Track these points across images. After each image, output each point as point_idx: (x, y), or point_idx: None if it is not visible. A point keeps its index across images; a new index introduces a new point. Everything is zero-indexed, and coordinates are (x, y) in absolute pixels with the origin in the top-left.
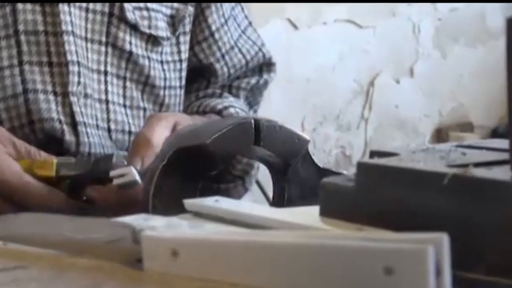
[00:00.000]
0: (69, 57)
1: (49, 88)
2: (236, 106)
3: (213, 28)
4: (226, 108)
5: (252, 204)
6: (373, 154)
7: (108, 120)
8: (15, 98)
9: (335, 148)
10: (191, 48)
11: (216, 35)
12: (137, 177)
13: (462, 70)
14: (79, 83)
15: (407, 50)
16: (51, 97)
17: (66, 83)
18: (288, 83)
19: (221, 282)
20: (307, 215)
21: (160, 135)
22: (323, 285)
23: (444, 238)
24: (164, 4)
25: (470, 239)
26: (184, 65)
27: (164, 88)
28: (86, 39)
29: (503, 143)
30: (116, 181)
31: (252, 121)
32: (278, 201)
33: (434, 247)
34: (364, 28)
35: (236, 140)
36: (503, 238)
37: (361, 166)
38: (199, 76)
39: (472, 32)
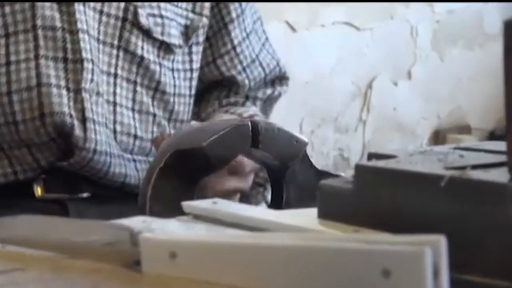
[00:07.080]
0: (84, 55)
1: (63, 83)
2: (259, 114)
3: (235, 42)
4: (251, 116)
5: (250, 206)
6: (371, 156)
7: (114, 122)
8: (29, 91)
9: (333, 150)
10: (213, 61)
11: (238, 49)
12: None
13: (460, 72)
14: (92, 80)
15: (405, 53)
16: (64, 92)
17: (80, 80)
18: None
19: (219, 284)
20: (305, 217)
21: None
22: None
23: (441, 240)
24: (179, 13)
25: (467, 241)
26: (195, 74)
27: (174, 95)
28: (98, 40)
29: (500, 146)
30: None
31: (249, 123)
32: (276, 203)
33: (432, 249)
34: (362, 31)
35: (233, 143)
36: (501, 240)
37: (359, 168)
38: (219, 84)
39: (470, 34)
